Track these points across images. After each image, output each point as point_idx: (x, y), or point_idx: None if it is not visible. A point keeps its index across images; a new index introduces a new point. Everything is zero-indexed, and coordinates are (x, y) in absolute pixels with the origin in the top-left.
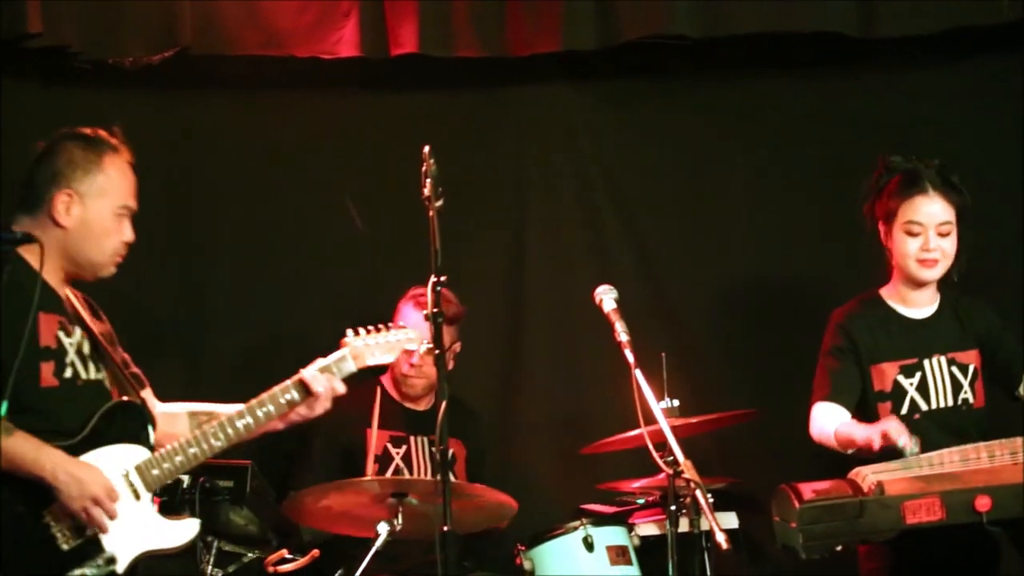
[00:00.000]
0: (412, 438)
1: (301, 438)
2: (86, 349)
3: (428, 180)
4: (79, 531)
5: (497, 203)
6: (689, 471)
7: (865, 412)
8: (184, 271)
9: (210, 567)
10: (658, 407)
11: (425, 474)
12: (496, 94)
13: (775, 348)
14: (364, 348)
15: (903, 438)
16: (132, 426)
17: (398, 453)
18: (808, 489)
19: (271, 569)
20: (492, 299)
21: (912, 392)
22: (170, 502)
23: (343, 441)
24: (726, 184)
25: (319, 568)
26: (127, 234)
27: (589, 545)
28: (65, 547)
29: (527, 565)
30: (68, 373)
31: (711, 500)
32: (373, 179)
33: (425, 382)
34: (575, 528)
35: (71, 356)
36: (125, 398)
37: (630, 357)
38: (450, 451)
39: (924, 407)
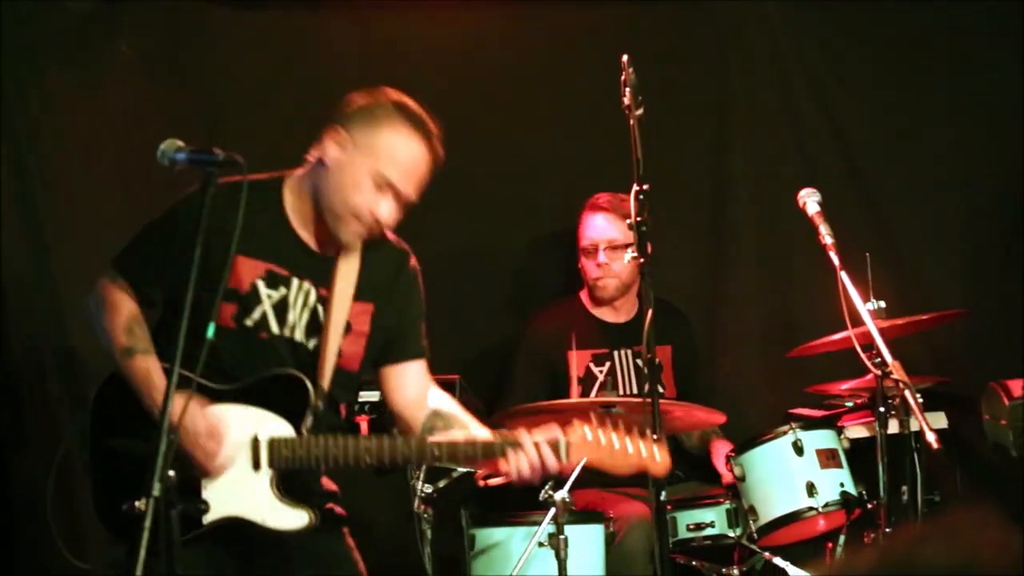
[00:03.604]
0: (616, 352)
1: (505, 360)
2: (301, 308)
3: (627, 89)
4: (183, 466)
5: (699, 109)
6: (897, 372)
7: None
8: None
9: (420, 483)
10: (865, 308)
11: (630, 387)
12: (697, 3)
13: (982, 246)
14: (593, 445)
15: None
16: (292, 402)
17: (601, 371)
18: (1019, 386)
19: (482, 483)
20: (696, 205)
21: None
22: (379, 420)
23: (545, 363)
24: (928, 85)
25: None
26: (381, 207)
27: (799, 449)
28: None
29: (737, 471)
30: (251, 322)
31: (920, 400)
32: (573, 91)
33: (616, 282)
34: (784, 433)
35: (265, 307)
36: (301, 376)
37: (835, 259)
38: (656, 359)
39: None
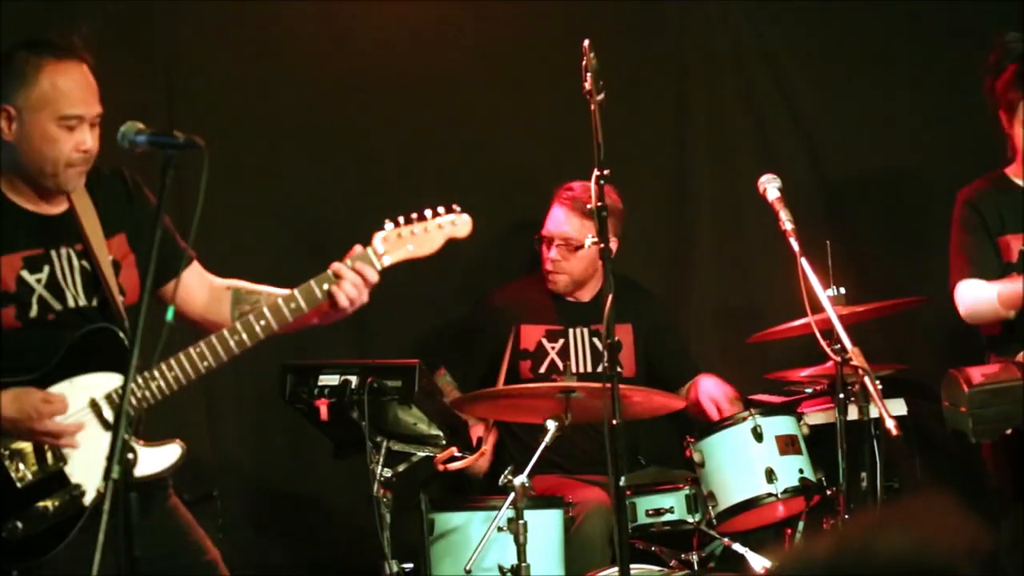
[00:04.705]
0: (571, 330)
1: (462, 335)
2: (70, 273)
3: (588, 74)
4: (39, 465)
5: (659, 94)
6: (857, 358)
7: None
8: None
9: (379, 467)
10: (824, 295)
11: (584, 366)
12: None
13: (941, 233)
14: (396, 240)
15: None
16: (109, 353)
17: (553, 348)
18: (977, 373)
19: (441, 467)
20: (656, 191)
21: None
22: (338, 404)
23: (503, 337)
24: (890, 71)
25: (489, 465)
26: (81, 142)
27: (758, 435)
28: (20, 484)
29: (697, 457)
30: (33, 312)
31: (880, 387)
32: (535, 77)
33: (566, 279)
34: (744, 419)
35: (38, 292)
36: (105, 326)
37: (795, 245)
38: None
39: None
